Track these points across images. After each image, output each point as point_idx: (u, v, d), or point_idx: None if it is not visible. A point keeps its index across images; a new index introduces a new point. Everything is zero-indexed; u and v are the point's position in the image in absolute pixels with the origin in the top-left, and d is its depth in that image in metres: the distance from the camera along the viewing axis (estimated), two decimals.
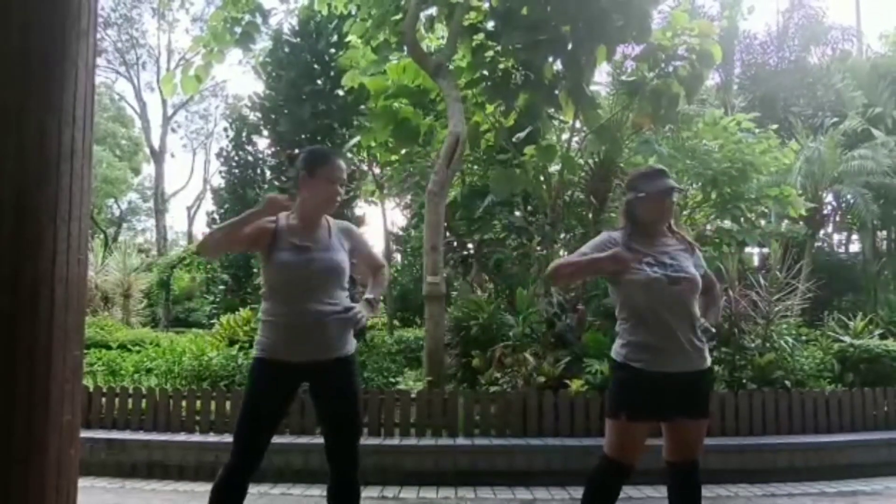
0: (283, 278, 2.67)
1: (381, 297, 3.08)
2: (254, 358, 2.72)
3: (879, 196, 12.75)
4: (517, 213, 9.32)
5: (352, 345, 2.74)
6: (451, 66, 7.72)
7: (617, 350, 2.73)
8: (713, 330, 2.73)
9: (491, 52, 7.62)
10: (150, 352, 7.43)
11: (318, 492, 4.57)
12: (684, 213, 9.30)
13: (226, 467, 2.65)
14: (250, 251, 2.80)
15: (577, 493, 2.91)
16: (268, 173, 11.67)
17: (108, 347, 8.68)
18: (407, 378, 7.11)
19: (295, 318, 2.63)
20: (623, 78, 8.93)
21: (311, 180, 2.73)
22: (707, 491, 4.58)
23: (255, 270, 10.34)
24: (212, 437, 5.29)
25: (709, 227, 9.36)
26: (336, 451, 2.68)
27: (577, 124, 9.08)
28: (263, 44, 10.22)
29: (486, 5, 7.66)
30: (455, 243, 9.92)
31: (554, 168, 8.72)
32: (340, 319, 2.66)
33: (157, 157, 31.13)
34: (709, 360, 2.75)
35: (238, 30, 8.31)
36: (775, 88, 16.30)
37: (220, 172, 13.64)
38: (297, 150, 3.17)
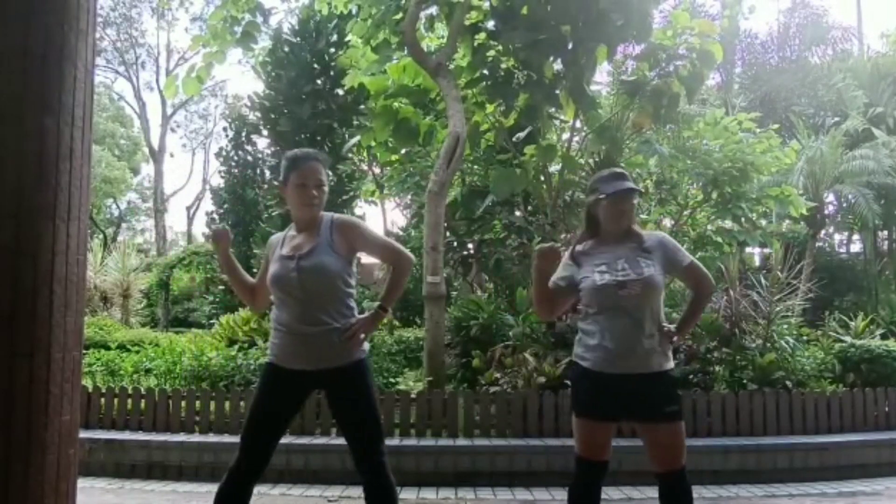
0: (273, 290, 2.70)
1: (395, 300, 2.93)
2: (266, 362, 2.80)
3: (881, 196, 12.76)
4: (517, 213, 9.30)
5: (357, 351, 2.66)
6: (451, 66, 7.71)
7: (574, 350, 2.80)
8: (674, 337, 2.71)
9: (492, 52, 7.62)
10: (149, 352, 7.42)
11: (318, 492, 4.58)
12: (685, 213, 9.30)
13: (229, 469, 2.65)
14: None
15: None
16: (267, 173, 11.69)
17: (108, 347, 8.67)
18: (407, 378, 7.10)
19: (289, 328, 2.64)
20: (623, 77, 8.91)
21: (286, 187, 2.75)
22: (708, 491, 4.61)
23: (254, 271, 10.32)
24: (211, 438, 5.29)
25: (710, 227, 9.35)
26: (354, 456, 2.68)
27: (578, 124, 9.08)
28: (263, 43, 10.21)
29: (487, 5, 7.65)
30: (455, 243, 9.91)
31: (554, 168, 8.72)
32: (333, 331, 2.60)
33: (157, 156, 31.12)
34: (666, 363, 2.68)
35: (238, 29, 8.28)
36: (776, 88, 16.31)
37: (220, 172, 13.66)
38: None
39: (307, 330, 2.60)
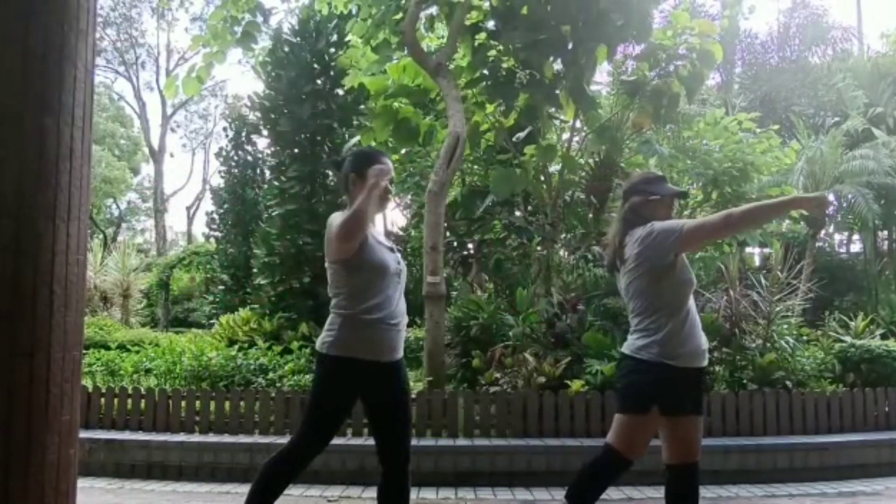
0: (380, 277, 2.66)
1: None
2: (335, 357, 2.63)
3: (881, 196, 12.74)
4: (517, 213, 9.31)
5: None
6: (451, 66, 7.71)
7: (645, 347, 2.71)
8: None
9: (493, 52, 7.62)
10: (149, 352, 7.42)
11: (318, 492, 4.58)
12: (685, 213, 9.30)
13: (285, 455, 2.65)
14: (356, 240, 2.61)
15: None
16: (267, 173, 11.68)
17: (108, 347, 8.68)
18: None
19: (390, 318, 2.66)
20: (624, 77, 8.91)
21: (362, 182, 2.72)
22: (707, 491, 4.61)
23: (254, 270, 10.32)
24: (211, 438, 5.28)
25: None
26: (384, 450, 2.69)
27: (578, 124, 9.08)
28: (263, 43, 10.21)
29: (487, 5, 7.65)
30: (455, 243, 9.91)
31: (554, 168, 8.72)
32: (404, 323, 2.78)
33: (157, 156, 31.14)
34: None
35: (238, 29, 8.28)
36: (776, 88, 16.31)
37: (220, 172, 13.66)
38: (338, 157, 3.12)
39: (398, 320, 2.69)
